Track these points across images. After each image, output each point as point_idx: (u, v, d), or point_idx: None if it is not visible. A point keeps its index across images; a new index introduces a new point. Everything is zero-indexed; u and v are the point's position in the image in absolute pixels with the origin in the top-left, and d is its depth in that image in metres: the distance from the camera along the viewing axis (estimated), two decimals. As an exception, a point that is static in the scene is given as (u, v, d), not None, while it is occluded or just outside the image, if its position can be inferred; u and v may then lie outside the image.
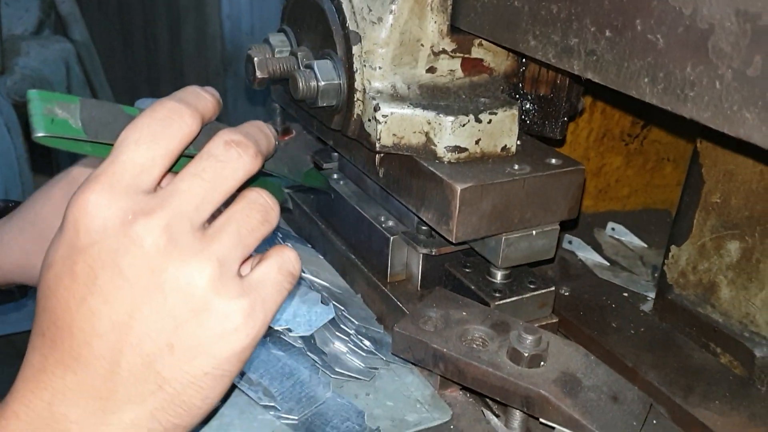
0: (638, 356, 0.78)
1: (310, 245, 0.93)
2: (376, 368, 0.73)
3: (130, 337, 0.46)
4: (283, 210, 0.85)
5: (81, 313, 0.46)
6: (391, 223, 0.80)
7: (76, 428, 0.46)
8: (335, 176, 0.90)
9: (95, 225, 0.45)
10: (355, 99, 0.71)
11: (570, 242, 1.15)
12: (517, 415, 0.66)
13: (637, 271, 1.13)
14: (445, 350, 0.65)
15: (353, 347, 0.73)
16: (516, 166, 0.69)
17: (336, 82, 0.71)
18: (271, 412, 0.67)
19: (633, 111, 1.15)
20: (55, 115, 0.49)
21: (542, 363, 0.64)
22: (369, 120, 0.70)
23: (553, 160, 0.71)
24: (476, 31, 0.70)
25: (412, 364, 0.73)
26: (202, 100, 0.51)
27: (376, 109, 0.69)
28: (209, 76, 3.06)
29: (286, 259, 0.51)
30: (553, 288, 0.76)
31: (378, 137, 0.69)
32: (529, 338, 0.64)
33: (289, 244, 0.89)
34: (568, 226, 1.06)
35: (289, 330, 0.73)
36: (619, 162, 1.22)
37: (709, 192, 0.81)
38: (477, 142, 0.69)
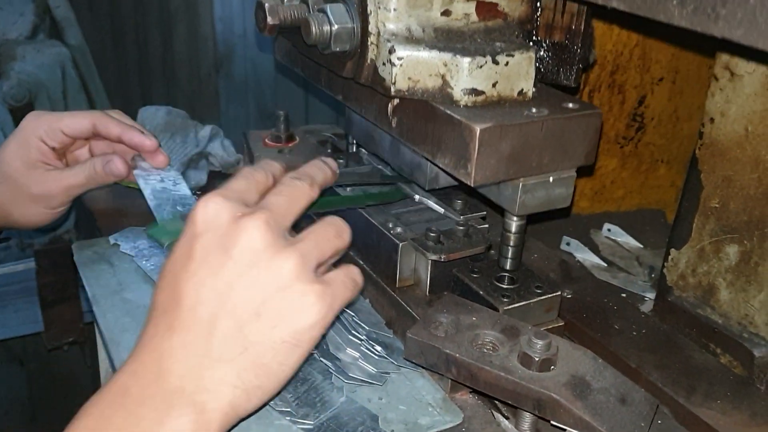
0: (641, 357, 0.80)
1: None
2: (387, 373, 0.75)
3: (227, 304, 0.57)
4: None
5: (191, 283, 0.57)
6: (399, 229, 0.82)
7: (178, 381, 0.55)
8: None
9: (210, 217, 0.59)
10: (369, 43, 0.70)
11: (568, 244, 1.17)
12: (527, 417, 0.68)
13: (634, 271, 1.15)
14: (457, 355, 0.67)
15: (366, 352, 0.75)
16: (534, 110, 0.68)
17: (349, 25, 0.70)
18: (287, 418, 0.68)
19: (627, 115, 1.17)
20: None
21: (552, 367, 0.66)
22: (383, 63, 0.69)
23: (570, 104, 0.70)
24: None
25: (423, 368, 0.75)
26: (273, 167, 0.71)
27: (391, 51, 0.68)
28: (201, 78, 3.06)
29: (352, 270, 0.65)
30: (559, 292, 0.78)
31: (393, 81, 0.68)
32: (540, 343, 0.65)
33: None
34: (563, 213, 1.08)
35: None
36: (614, 164, 1.24)
37: (708, 197, 0.83)
38: (494, 85, 0.69)
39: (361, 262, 0.86)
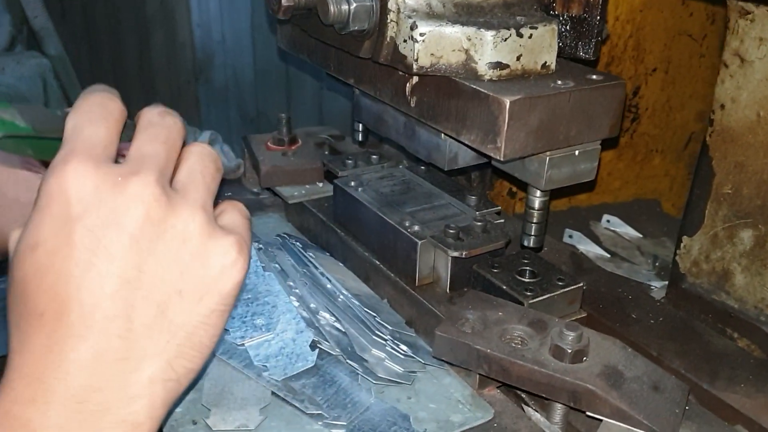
0: (661, 345, 0.81)
1: (328, 253, 0.94)
2: (414, 372, 0.74)
3: (141, 291, 0.47)
4: None
5: (88, 277, 0.46)
6: (416, 227, 0.81)
7: (98, 398, 0.46)
8: (352, 183, 0.91)
9: (86, 191, 0.47)
10: (389, 20, 0.68)
11: (570, 236, 1.17)
12: (559, 410, 0.68)
13: (637, 261, 1.16)
14: (488, 351, 0.67)
15: (391, 352, 0.75)
16: (559, 82, 0.68)
17: (368, 3, 0.69)
18: (320, 422, 0.68)
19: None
20: (3, 119, 0.53)
21: (585, 358, 0.66)
22: (405, 41, 0.68)
23: (594, 76, 0.70)
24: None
25: (449, 365, 0.75)
26: (113, 92, 0.54)
27: (413, 27, 0.66)
28: (180, 85, 3.04)
29: (241, 207, 0.56)
30: (581, 284, 0.78)
31: (415, 58, 0.67)
32: (571, 335, 0.66)
33: (311, 254, 0.90)
34: (588, 187, 1.07)
35: (265, 368, 0.73)
36: (611, 155, 1.25)
37: (720, 183, 0.84)
38: (518, 59, 0.68)
39: (377, 262, 0.85)
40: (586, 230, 1.21)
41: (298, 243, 0.92)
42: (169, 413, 0.52)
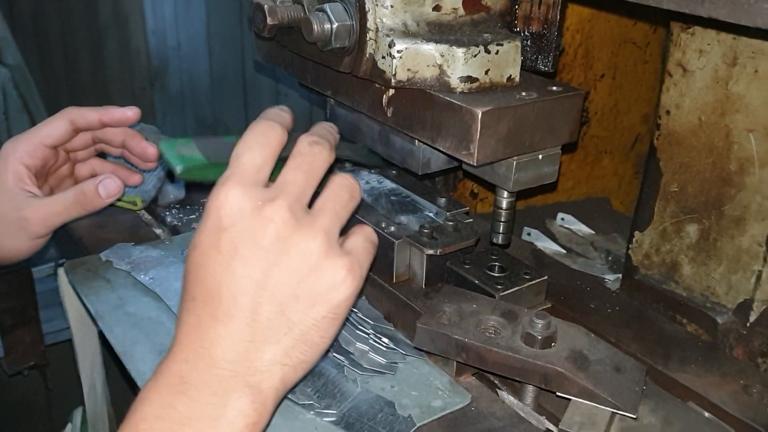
0: (619, 332, 0.88)
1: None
2: (396, 363, 0.80)
3: (265, 291, 0.60)
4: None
5: (227, 276, 0.60)
6: (392, 228, 0.87)
7: (231, 366, 0.59)
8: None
9: (234, 211, 0.60)
10: (368, 38, 0.74)
11: (529, 234, 1.25)
12: (530, 392, 0.75)
13: (591, 256, 1.24)
14: (466, 340, 0.73)
15: (374, 344, 0.80)
16: (524, 93, 0.74)
17: (348, 22, 0.75)
18: (311, 412, 0.73)
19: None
20: (183, 155, 0.69)
21: (553, 344, 0.72)
22: (383, 57, 0.73)
23: (555, 88, 0.77)
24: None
25: (427, 355, 0.81)
26: (282, 116, 0.68)
27: (391, 45, 0.72)
28: (135, 92, 3.04)
29: (367, 231, 0.69)
30: (546, 277, 0.85)
31: (393, 73, 0.73)
32: (540, 323, 0.72)
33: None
34: (550, 188, 1.14)
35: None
36: (564, 157, 1.33)
37: (668, 182, 0.91)
38: (486, 72, 0.74)
39: (355, 262, 0.91)
40: (543, 228, 1.29)
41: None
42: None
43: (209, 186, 0.65)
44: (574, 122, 0.78)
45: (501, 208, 0.81)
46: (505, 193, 0.79)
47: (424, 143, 0.79)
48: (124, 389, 1.46)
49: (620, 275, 1.05)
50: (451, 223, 0.87)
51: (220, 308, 0.60)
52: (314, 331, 0.62)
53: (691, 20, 0.82)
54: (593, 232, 1.32)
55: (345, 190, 0.66)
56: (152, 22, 2.87)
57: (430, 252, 0.83)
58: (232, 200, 0.61)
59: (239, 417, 0.59)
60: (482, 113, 0.69)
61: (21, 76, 2.17)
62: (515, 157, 0.75)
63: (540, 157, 0.77)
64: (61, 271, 1.11)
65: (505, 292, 0.81)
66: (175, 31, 2.82)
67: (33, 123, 2.21)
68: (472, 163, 0.71)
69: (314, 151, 0.65)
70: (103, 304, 0.89)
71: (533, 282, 0.83)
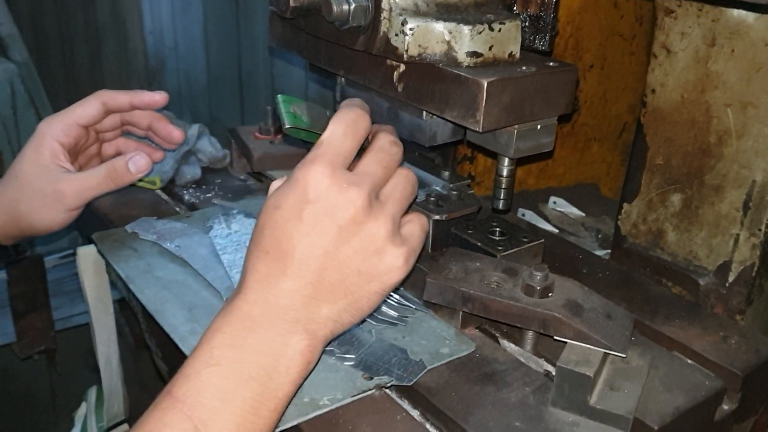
0: (609, 293, 0.95)
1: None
2: (406, 316, 0.87)
3: (334, 261, 0.69)
4: None
5: (303, 243, 0.68)
6: (400, 197, 0.94)
7: (293, 314, 0.68)
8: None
9: (322, 188, 0.68)
10: (382, 18, 0.81)
11: (523, 215, 1.32)
12: (529, 339, 0.82)
13: (582, 235, 1.32)
14: (472, 291, 0.80)
15: (386, 300, 0.87)
16: (524, 67, 0.82)
17: (365, 3, 0.82)
18: (333, 357, 0.80)
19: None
20: (295, 113, 0.77)
21: (550, 294, 0.80)
22: (396, 35, 0.81)
23: (551, 63, 0.85)
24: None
25: (433, 311, 0.88)
26: (367, 108, 0.77)
27: (404, 23, 0.80)
28: (133, 91, 3.10)
29: (424, 221, 0.78)
30: (542, 240, 0.92)
31: (406, 48, 0.80)
32: (539, 275, 0.79)
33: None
34: (546, 156, 1.21)
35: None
36: (555, 144, 1.41)
37: (653, 156, 0.99)
38: (490, 48, 0.82)
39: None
40: (536, 210, 1.36)
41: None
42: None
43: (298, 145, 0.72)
44: (569, 95, 0.85)
45: (502, 176, 0.88)
46: (506, 161, 0.87)
47: (433, 114, 0.86)
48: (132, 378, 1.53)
49: (609, 250, 1.13)
50: (455, 192, 0.94)
51: (292, 266, 0.68)
52: (365, 301, 0.71)
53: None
54: (583, 215, 1.40)
55: (410, 184, 0.76)
56: (150, 22, 2.93)
57: (437, 217, 0.91)
58: (321, 178, 0.68)
59: (298, 354, 0.68)
60: (487, 83, 0.77)
61: (28, 73, 2.22)
62: (516, 126, 0.82)
63: (538, 126, 0.85)
64: (80, 251, 1.17)
65: (505, 253, 0.88)
66: (172, 31, 2.88)
67: (39, 118, 2.26)
68: (477, 129, 0.79)
69: (393, 150, 0.75)
70: (132, 270, 0.96)
71: (531, 244, 0.91)
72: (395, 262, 0.71)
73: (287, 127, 0.77)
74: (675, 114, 0.95)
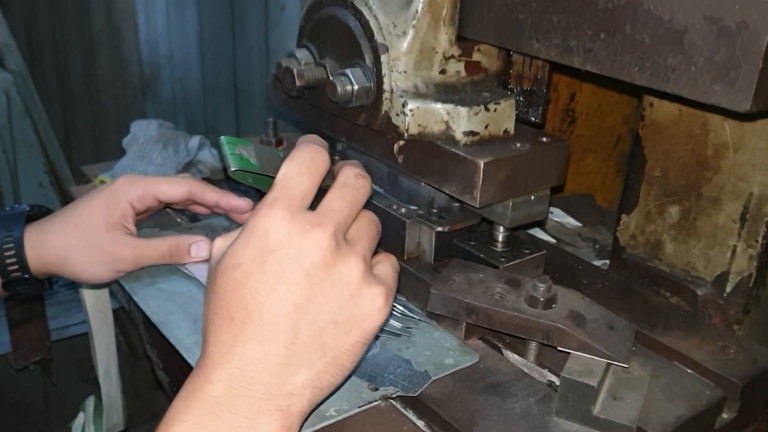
0: (609, 303, 0.96)
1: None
2: (410, 327, 0.88)
3: (306, 315, 0.61)
4: None
5: (270, 298, 0.60)
6: (403, 210, 0.95)
7: (264, 389, 0.60)
8: (341, 176, 1.04)
9: (282, 233, 0.61)
10: (384, 98, 0.86)
11: (521, 225, 1.33)
12: (532, 350, 0.83)
13: (579, 245, 1.33)
14: (476, 303, 0.81)
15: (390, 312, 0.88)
16: (518, 144, 0.86)
17: (367, 85, 0.87)
18: (337, 367, 0.80)
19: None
20: (241, 155, 0.70)
21: (554, 305, 0.81)
22: (397, 114, 0.85)
23: (544, 139, 0.88)
24: (483, 39, 0.87)
25: (437, 322, 0.89)
26: (324, 144, 0.69)
27: (404, 105, 0.84)
28: (127, 100, 3.10)
29: (393, 259, 0.71)
30: (544, 252, 0.93)
31: (407, 127, 0.85)
32: (542, 286, 0.81)
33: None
34: (538, 224, 1.26)
35: None
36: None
37: (651, 168, 1.01)
38: (486, 127, 0.86)
39: (368, 242, 0.99)
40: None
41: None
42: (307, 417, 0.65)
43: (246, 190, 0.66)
44: (561, 167, 0.90)
45: (498, 241, 0.93)
46: (502, 228, 0.92)
47: (432, 186, 0.91)
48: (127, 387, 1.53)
49: (607, 261, 1.14)
50: (456, 204, 0.95)
51: (261, 330, 0.60)
52: (346, 356, 0.63)
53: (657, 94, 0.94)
54: (580, 225, 1.41)
55: (374, 225, 0.69)
56: (145, 31, 2.94)
57: (439, 229, 0.92)
58: (281, 222, 0.61)
59: None
60: (484, 164, 0.81)
61: (23, 82, 2.22)
62: (511, 199, 0.86)
63: (532, 197, 0.89)
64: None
65: (508, 264, 0.90)
66: (167, 39, 2.90)
67: (35, 127, 2.26)
68: (475, 205, 0.83)
69: (359, 183, 0.68)
70: (135, 282, 0.96)
71: (533, 255, 0.92)
72: (374, 304, 0.64)
73: (232, 170, 0.70)
74: (673, 127, 0.97)
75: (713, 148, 0.93)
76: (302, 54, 0.94)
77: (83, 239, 0.92)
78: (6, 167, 2.15)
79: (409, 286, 0.94)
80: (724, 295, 0.96)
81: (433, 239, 0.93)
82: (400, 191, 0.97)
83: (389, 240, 0.96)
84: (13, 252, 0.91)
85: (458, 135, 0.85)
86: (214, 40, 2.63)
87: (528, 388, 0.80)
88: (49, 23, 3.17)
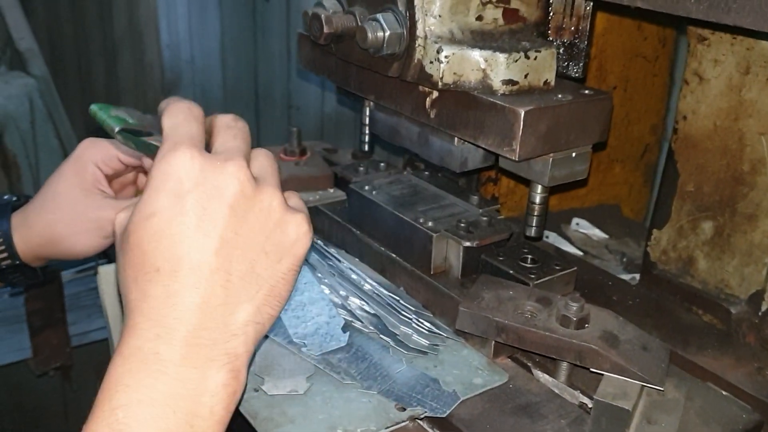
0: (640, 321, 0.94)
1: (344, 251, 1.06)
2: (437, 345, 0.86)
3: (236, 250, 0.59)
4: None
5: (197, 239, 0.58)
6: (430, 223, 0.93)
7: (207, 334, 0.58)
8: (366, 187, 1.03)
9: (195, 171, 0.59)
10: (417, 45, 0.81)
11: (547, 237, 1.31)
12: (563, 370, 0.81)
13: (606, 258, 1.31)
14: (506, 321, 0.80)
15: (417, 328, 0.86)
16: (559, 95, 0.81)
17: (399, 31, 0.81)
18: (354, 390, 0.79)
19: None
20: (119, 116, 0.68)
21: (586, 325, 0.79)
22: (431, 62, 0.81)
23: (587, 91, 0.84)
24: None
25: (464, 339, 0.87)
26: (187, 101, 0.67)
27: (439, 51, 0.79)
28: (148, 105, 3.10)
29: (297, 194, 0.70)
30: (575, 268, 0.91)
31: (441, 76, 0.80)
32: (575, 306, 0.79)
33: (333, 251, 1.01)
34: (580, 185, 1.23)
35: (303, 344, 0.85)
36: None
37: (684, 183, 0.98)
38: (526, 76, 0.81)
39: (394, 255, 0.97)
40: (559, 232, 1.36)
41: (319, 241, 1.03)
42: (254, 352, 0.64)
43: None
44: (604, 123, 0.85)
45: (535, 203, 0.87)
46: (539, 188, 0.86)
47: (465, 141, 0.86)
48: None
49: (635, 275, 1.12)
50: (485, 218, 0.94)
51: (192, 274, 0.58)
52: (282, 285, 0.63)
53: (711, 26, 0.88)
54: (606, 236, 1.39)
55: (273, 160, 0.68)
56: (167, 36, 2.94)
57: (468, 244, 0.90)
58: (191, 163, 0.59)
59: (221, 387, 0.58)
60: (525, 112, 0.76)
61: (46, 87, 2.23)
62: (551, 154, 0.82)
63: (573, 154, 0.84)
64: (102, 269, 1.17)
65: (538, 281, 0.88)
66: (189, 44, 2.90)
67: (57, 132, 2.27)
68: (514, 158, 0.78)
69: (240, 124, 0.67)
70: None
71: (564, 272, 0.90)
72: (299, 229, 0.63)
73: (118, 130, 0.67)
74: (707, 141, 0.94)
75: (749, 163, 0.91)
76: (330, 3, 0.89)
77: (64, 212, 0.91)
78: (29, 171, 2.16)
79: (435, 302, 0.92)
80: (759, 313, 0.93)
81: (461, 254, 0.91)
82: (431, 152, 0.92)
83: (415, 254, 0.95)
84: (1, 240, 0.91)
85: (496, 84, 0.80)
86: (236, 46, 2.62)
87: (559, 409, 0.78)
88: (72, 29, 3.18)
